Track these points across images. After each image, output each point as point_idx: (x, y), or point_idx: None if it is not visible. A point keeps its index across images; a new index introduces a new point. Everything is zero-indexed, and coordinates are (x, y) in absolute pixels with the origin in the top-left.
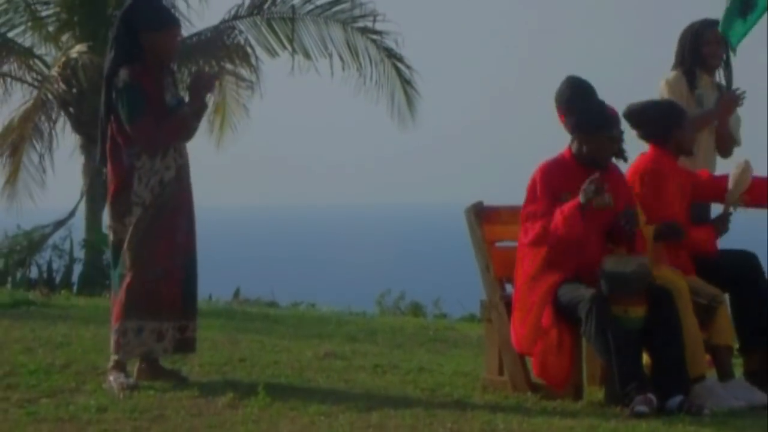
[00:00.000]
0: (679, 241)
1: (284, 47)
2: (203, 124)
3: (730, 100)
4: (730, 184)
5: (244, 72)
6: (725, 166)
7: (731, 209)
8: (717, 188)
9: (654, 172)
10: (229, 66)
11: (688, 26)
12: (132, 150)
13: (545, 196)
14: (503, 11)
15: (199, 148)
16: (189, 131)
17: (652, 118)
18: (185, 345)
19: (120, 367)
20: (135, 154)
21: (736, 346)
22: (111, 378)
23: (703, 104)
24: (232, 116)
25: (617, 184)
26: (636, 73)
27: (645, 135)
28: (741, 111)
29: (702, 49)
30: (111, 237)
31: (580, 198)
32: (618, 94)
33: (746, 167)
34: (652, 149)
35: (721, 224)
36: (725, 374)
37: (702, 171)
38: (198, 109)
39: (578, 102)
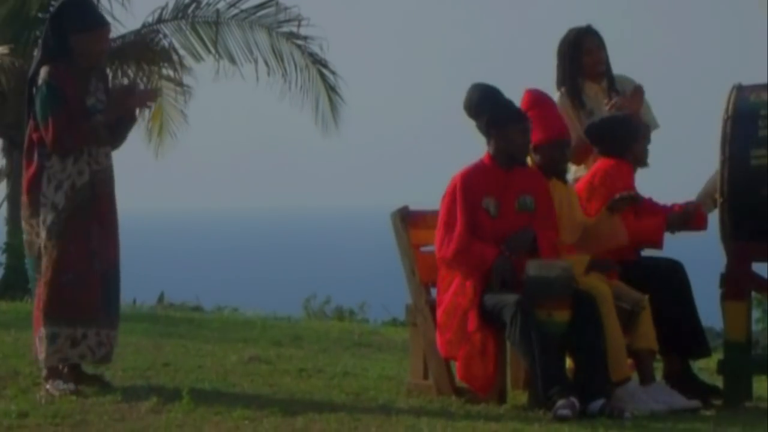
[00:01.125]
0: (610, 273)
1: (209, 51)
2: (142, 130)
3: (635, 96)
4: (707, 186)
5: (175, 76)
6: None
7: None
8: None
9: (611, 175)
10: (167, 72)
11: (562, 41)
12: (43, 149)
13: (465, 210)
14: (430, 16)
15: (132, 153)
16: (100, 140)
17: (611, 134)
18: (103, 357)
19: (56, 373)
20: (46, 154)
21: (658, 350)
22: (48, 386)
23: (595, 115)
24: (170, 122)
25: (539, 188)
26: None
27: (605, 150)
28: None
29: (583, 59)
30: (24, 237)
31: (495, 265)
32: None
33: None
34: (613, 158)
35: (679, 220)
36: (647, 378)
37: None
38: (113, 120)
39: (487, 102)
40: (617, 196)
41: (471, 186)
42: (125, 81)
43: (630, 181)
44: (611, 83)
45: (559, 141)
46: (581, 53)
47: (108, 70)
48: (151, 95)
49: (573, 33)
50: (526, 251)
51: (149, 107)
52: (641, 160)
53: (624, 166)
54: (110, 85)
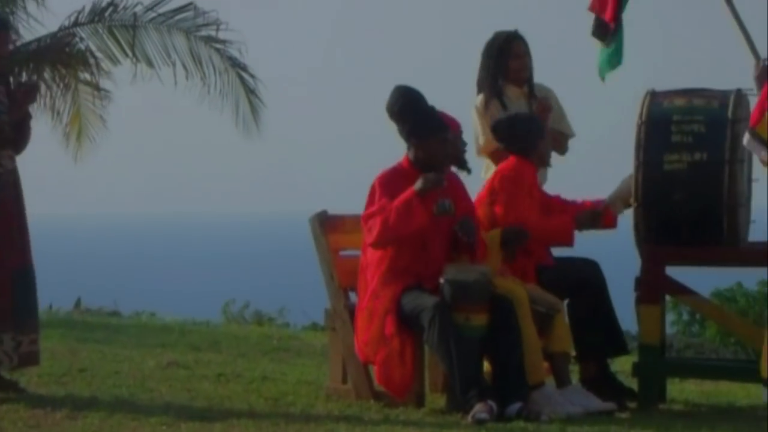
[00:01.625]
0: (524, 243)
1: (126, 55)
2: (59, 135)
3: (542, 108)
4: (618, 191)
5: (92, 79)
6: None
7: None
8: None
9: (512, 177)
10: (84, 75)
11: (489, 43)
12: None
13: (384, 198)
14: (351, 20)
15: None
16: (6, 142)
17: (518, 131)
18: (27, 359)
19: None
20: None
21: (573, 353)
22: None
23: None
24: (89, 127)
25: (457, 191)
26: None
27: (510, 147)
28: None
29: (510, 63)
30: None
31: (417, 185)
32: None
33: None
34: (514, 159)
35: (588, 219)
36: (563, 381)
37: (555, 197)
38: (19, 120)
39: (409, 109)
40: (508, 230)
41: (390, 189)
42: (23, 79)
43: (532, 181)
44: (531, 89)
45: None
46: (509, 57)
47: (24, 73)
48: (35, 87)
49: (502, 36)
50: (473, 238)
51: (34, 100)
52: (545, 160)
53: (527, 166)
54: (12, 86)
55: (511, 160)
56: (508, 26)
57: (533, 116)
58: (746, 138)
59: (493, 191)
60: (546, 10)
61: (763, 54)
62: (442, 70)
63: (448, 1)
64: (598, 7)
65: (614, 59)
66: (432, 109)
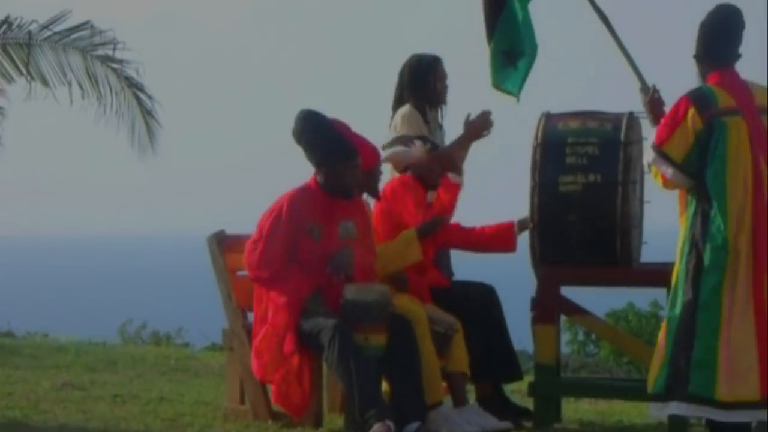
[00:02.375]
0: (441, 228)
1: (21, 73)
2: None
3: (481, 123)
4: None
5: None
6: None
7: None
8: (465, 237)
9: (398, 186)
10: None
11: (415, 60)
12: None
13: (288, 234)
14: (250, 41)
15: None
16: None
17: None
18: None
19: None
20: None
21: (470, 373)
22: None
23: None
24: None
25: (358, 213)
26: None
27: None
28: None
29: (436, 84)
30: None
31: (331, 265)
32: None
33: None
34: (404, 177)
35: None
36: (460, 401)
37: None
38: None
39: (317, 137)
40: (426, 223)
41: (297, 209)
42: None
43: (420, 197)
44: (442, 114)
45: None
46: (435, 78)
47: None
48: None
49: (429, 58)
50: (347, 273)
51: None
52: (430, 184)
53: (415, 183)
54: None
55: (400, 177)
56: (405, 48)
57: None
58: (651, 156)
59: (381, 210)
60: (441, 29)
61: (650, 81)
62: (347, 90)
63: (337, 27)
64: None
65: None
66: (341, 135)
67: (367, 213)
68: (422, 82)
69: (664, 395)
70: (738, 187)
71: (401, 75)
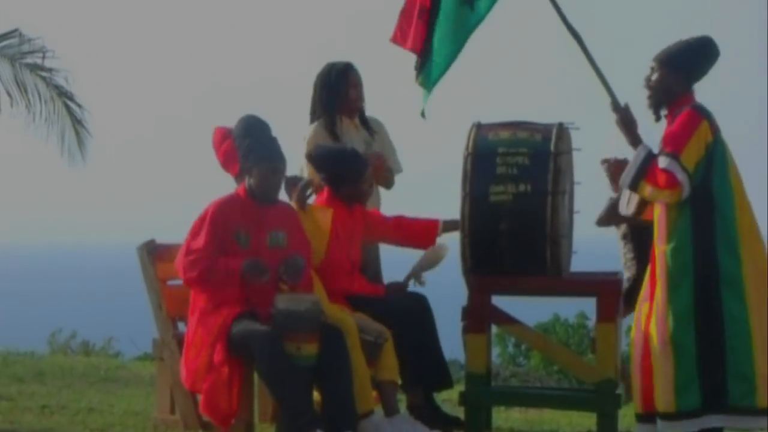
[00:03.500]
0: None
1: None
2: None
3: (376, 166)
4: (422, 261)
5: None
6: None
7: (412, 282)
8: (386, 228)
9: (319, 208)
10: None
11: (324, 73)
12: None
13: (213, 235)
14: (182, 50)
15: None
16: None
17: (330, 166)
18: None
19: None
20: None
21: (401, 382)
22: None
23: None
24: None
25: (292, 226)
26: None
27: (324, 179)
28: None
29: (349, 92)
30: None
31: (245, 268)
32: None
33: (440, 252)
34: (327, 192)
35: (398, 289)
36: (391, 410)
37: (373, 210)
38: None
39: (247, 136)
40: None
41: (224, 216)
42: None
43: (340, 220)
44: (363, 120)
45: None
46: (347, 87)
47: None
48: None
49: (339, 66)
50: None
51: None
52: (357, 199)
53: (335, 202)
54: None
55: (323, 194)
56: (338, 57)
57: (356, 155)
58: (665, 161)
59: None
60: (372, 42)
61: (622, 98)
62: (283, 100)
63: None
64: (400, 38)
65: (427, 85)
66: (272, 138)
67: (299, 224)
68: (335, 92)
69: (701, 410)
70: (743, 200)
71: (314, 86)
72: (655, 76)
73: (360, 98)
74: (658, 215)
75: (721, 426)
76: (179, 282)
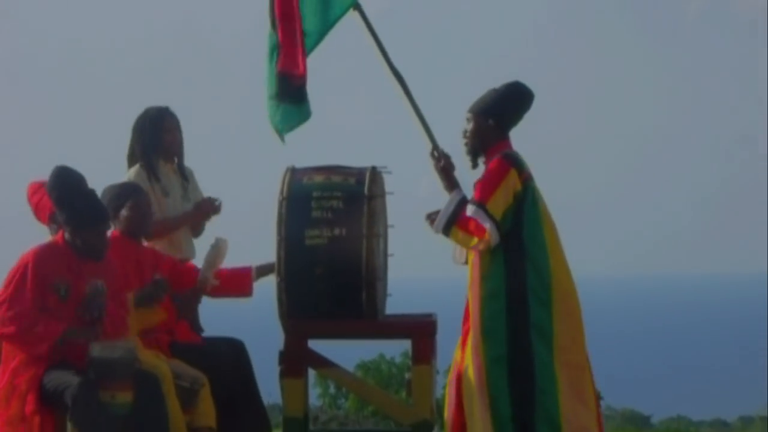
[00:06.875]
0: (163, 295)
1: None
2: None
3: (208, 208)
4: (205, 264)
5: None
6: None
7: (200, 287)
8: (181, 274)
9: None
10: None
11: (141, 118)
12: None
13: (35, 290)
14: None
15: None
16: None
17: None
18: None
19: None
20: None
21: (218, 427)
22: None
23: (169, 194)
24: None
25: (106, 271)
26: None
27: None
28: None
29: (164, 137)
30: None
31: (69, 334)
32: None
33: (220, 246)
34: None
35: (186, 305)
36: None
37: (168, 257)
38: None
39: (67, 195)
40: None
41: (43, 266)
42: None
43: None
44: (181, 165)
45: None
46: (161, 131)
47: None
48: None
49: (154, 110)
50: (99, 313)
51: None
52: (136, 234)
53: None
54: None
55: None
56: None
57: (119, 191)
58: (471, 209)
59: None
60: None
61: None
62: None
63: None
64: (288, 66)
65: (304, 113)
66: (92, 195)
67: (117, 271)
68: (150, 137)
69: None
70: (556, 247)
71: (132, 130)
72: (470, 127)
73: (175, 142)
74: (471, 261)
75: None
76: None
